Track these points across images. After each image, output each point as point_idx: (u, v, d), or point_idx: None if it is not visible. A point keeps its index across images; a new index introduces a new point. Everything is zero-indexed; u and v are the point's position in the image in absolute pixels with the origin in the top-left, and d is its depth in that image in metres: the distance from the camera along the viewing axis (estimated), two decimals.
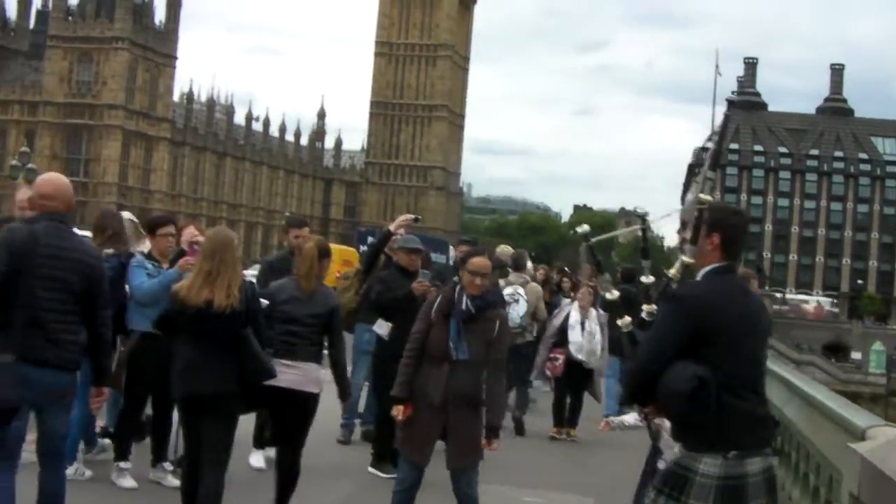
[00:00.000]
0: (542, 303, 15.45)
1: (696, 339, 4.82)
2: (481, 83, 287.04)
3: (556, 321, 14.16)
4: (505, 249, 15.64)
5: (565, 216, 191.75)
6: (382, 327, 10.62)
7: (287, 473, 7.97)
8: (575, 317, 13.89)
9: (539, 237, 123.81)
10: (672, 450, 5.70)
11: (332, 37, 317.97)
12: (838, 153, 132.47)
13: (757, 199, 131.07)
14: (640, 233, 5.71)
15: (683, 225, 6.08)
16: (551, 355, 13.88)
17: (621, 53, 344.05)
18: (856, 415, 6.88)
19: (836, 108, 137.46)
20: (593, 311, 13.94)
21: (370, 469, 10.44)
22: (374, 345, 10.87)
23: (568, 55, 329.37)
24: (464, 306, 7.27)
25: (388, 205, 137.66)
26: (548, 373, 14.00)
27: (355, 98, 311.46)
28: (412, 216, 11.70)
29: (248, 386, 7.25)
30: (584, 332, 13.78)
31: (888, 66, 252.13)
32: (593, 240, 5.80)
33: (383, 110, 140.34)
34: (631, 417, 7.94)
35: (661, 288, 5.73)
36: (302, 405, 7.85)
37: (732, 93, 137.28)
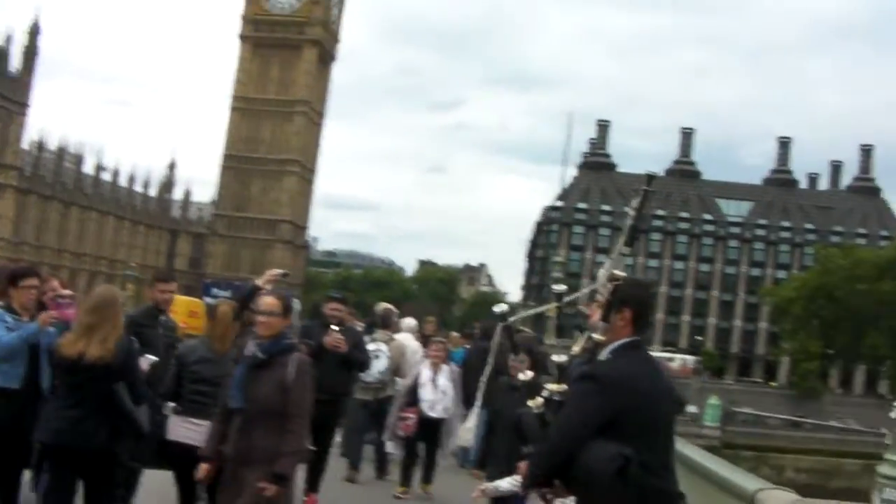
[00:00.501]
0: (412, 359, 15.69)
1: (612, 417, 4.78)
2: (337, 139, 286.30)
3: (408, 380, 14.19)
4: (381, 307, 16.12)
5: (410, 271, 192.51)
6: None
7: None
8: (426, 374, 13.87)
9: (383, 291, 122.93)
10: None
11: (186, 90, 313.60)
12: (684, 214, 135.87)
13: (602, 258, 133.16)
14: (555, 309, 5.60)
15: (558, 297, 5.95)
16: (402, 414, 13.79)
17: (476, 113, 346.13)
18: (743, 478, 6.96)
19: (684, 170, 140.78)
20: (445, 367, 13.95)
21: None
22: None
23: (423, 114, 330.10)
24: (248, 351, 7.00)
25: (234, 257, 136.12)
26: (400, 432, 13.84)
27: (208, 151, 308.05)
28: (280, 271, 11.16)
29: (159, 443, 7.44)
30: (437, 389, 13.73)
31: (736, 130, 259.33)
32: (511, 319, 5.56)
33: (236, 163, 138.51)
34: (506, 483, 7.98)
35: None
36: None
37: (584, 154, 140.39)
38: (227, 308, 8.41)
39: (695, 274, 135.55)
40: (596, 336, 5.03)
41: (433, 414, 13.69)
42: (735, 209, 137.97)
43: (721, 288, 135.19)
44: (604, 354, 5.01)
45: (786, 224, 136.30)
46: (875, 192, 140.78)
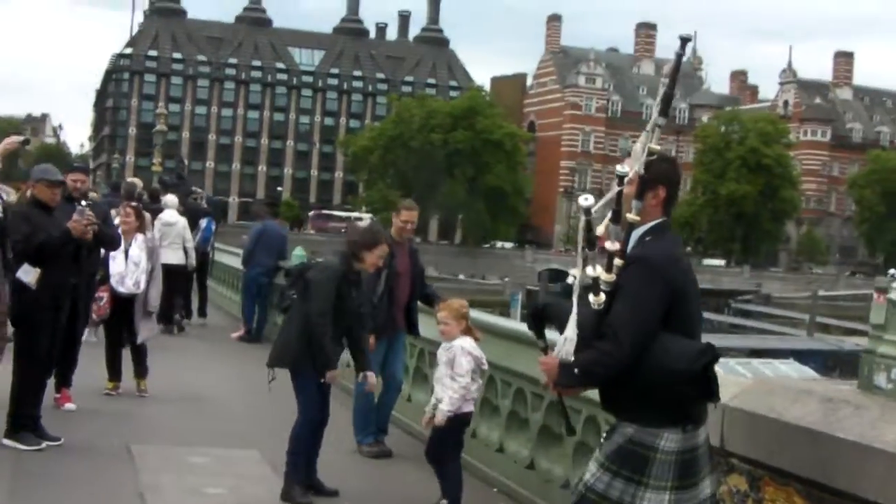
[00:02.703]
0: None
1: (670, 304, 4.44)
2: None
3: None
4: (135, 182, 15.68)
5: None
6: (29, 274, 8.97)
7: None
8: None
9: None
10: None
11: None
12: (256, 62, 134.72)
13: (175, 107, 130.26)
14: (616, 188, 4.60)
15: (620, 180, 5.13)
16: (96, 295, 11.74)
17: None
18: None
19: (254, 17, 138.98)
20: (140, 237, 12.19)
21: (5, 441, 9.05)
22: (16, 293, 9.17)
23: None
24: None
25: None
26: (94, 316, 11.82)
27: None
28: (20, 138, 9.98)
29: None
30: (128, 261, 11.96)
31: None
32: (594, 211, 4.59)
33: None
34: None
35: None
36: None
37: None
38: None
39: (269, 123, 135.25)
40: (630, 216, 4.53)
41: (122, 289, 11.91)
42: (307, 58, 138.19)
43: (296, 138, 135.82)
44: (635, 236, 4.56)
45: (357, 73, 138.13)
46: (444, 42, 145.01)
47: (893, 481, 4.47)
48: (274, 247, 17.73)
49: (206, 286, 19.93)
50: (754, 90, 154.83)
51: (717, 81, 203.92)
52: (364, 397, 9.82)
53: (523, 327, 9.96)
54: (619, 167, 4.59)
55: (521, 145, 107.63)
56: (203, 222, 19.17)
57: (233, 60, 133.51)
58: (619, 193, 4.56)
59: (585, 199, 4.54)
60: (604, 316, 4.45)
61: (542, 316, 4.85)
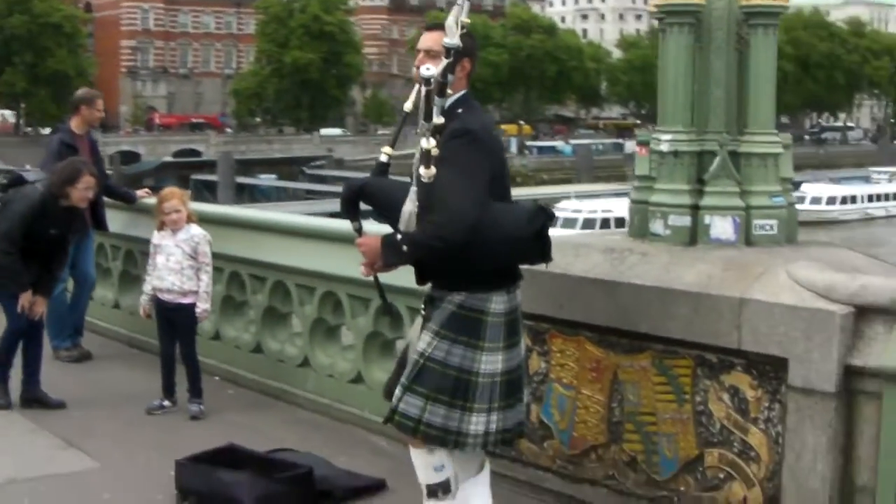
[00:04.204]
0: None
1: (491, 174, 4.47)
2: None
3: None
4: None
5: None
6: None
7: None
8: None
9: None
10: None
11: None
12: None
13: None
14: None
15: (448, 51, 4.40)
16: None
17: None
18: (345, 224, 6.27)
19: None
20: None
21: None
22: None
23: None
24: None
25: None
26: None
27: None
28: None
29: None
30: None
31: None
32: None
33: None
34: None
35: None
36: None
37: None
38: None
39: None
40: (451, 92, 4.50)
41: None
42: None
43: None
44: (441, 108, 4.46)
45: None
46: None
47: (698, 319, 4.70)
48: None
49: None
50: None
51: None
52: (57, 300, 9.05)
53: (233, 210, 10.12)
54: (446, 40, 4.48)
55: (81, 27, 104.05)
56: None
57: None
58: (450, 65, 4.46)
59: (427, 69, 4.40)
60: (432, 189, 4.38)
61: (357, 196, 4.77)
